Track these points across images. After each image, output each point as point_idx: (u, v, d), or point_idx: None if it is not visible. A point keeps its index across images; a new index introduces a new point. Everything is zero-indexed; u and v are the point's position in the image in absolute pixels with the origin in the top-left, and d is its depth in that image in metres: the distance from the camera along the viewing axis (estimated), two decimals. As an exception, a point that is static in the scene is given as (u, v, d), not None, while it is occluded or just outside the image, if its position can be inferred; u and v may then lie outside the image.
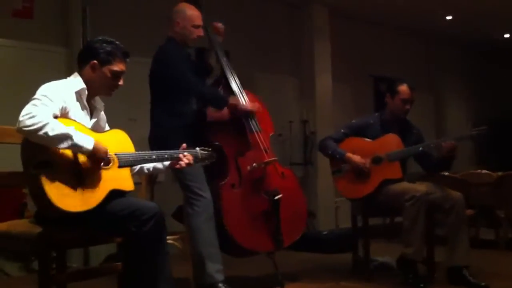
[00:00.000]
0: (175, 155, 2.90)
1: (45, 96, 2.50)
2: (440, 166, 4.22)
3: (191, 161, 2.91)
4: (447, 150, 3.96)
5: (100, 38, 2.82)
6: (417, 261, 3.94)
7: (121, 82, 2.81)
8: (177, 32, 3.77)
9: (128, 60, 2.82)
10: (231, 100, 3.80)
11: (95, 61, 2.73)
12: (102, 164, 2.57)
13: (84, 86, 2.72)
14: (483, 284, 3.79)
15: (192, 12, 3.79)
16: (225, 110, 3.83)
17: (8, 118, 2.77)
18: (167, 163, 2.94)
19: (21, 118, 2.37)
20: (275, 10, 7.47)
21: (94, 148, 2.50)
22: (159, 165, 2.95)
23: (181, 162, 2.88)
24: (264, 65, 7.21)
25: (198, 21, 3.80)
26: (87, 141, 2.49)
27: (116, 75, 2.77)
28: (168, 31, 3.82)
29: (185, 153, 2.90)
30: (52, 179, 2.40)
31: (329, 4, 7.57)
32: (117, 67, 2.76)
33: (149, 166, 2.96)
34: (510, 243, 5.60)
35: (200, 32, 3.82)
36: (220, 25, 4.06)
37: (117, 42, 2.80)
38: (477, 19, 8.57)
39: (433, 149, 4.11)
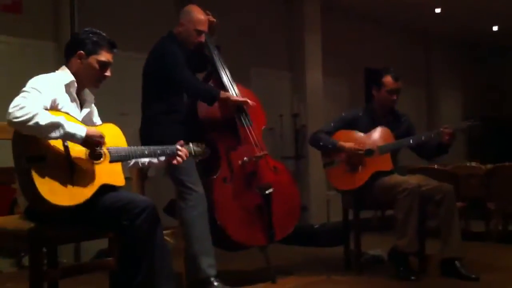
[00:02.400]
0: (167, 151, 2.90)
1: (34, 88, 2.49)
2: (438, 152, 4.22)
3: (187, 156, 2.93)
4: (447, 135, 3.99)
5: (86, 29, 2.81)
6: (411, 253, 3.96)
7: (108, 73, 2.79)
8: (179, 32, 3.76)
9: (115, 50, 2.82)
10: (222, 94, 3.79)
11: (82, 52, 2.73)
12: (98, 148, 2.56)
13: (73, 78, 2.72)
14: (473, 276, 3.82)
15: (198, 16, 3.78)
16: (216, 106, 3.82)
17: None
18: (162, 159, 2.95)
19: (10, 110, 2.36)
20: (267, 4, 7.46)
21: (87, 134, 2.49)
22: (154, 159, 2.96)
23: (178, 158, 2.89)
24: (255, 59, 7.20)
25: (202, 26, 3.78)
26: (79, 128, 2.48)
27: (103, 65, 2.76)
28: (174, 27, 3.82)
29: (181, 148, 2.91)
30: (43, 173, 2.39)
31: (320, -2, 7.59)
32: (104, 57, 2.76)
33: (145, 160, 2.95)
34: (500, 235, 5.64)
35: (202, 38, 3.80)
36: (212, 19, 4.02)
37: (103, 33, 2.80)
38: (466, 11, 8.60)
39: (431, 139, 4.12)
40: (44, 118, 2.36)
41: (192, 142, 3.09)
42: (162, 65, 3.62)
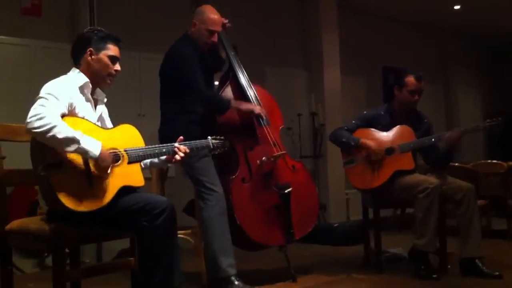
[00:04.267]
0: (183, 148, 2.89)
1: (51, 94, 2.51)
2: (443, 159, 4.19)
3: (187, 153, 2.89)
4: (453, 140, 3.96)
5: (89, 28, 2.86)
6: (430, 252, 3.93)
7: (118, 67, 2.82)
8: (192, 32, 3.78)
9: (120, 45, 2.84)
10: (233, 104, 3.79)
11: (91, 48, 2.75)
12: (108, 171, 2.57)
13: (87, 80, 2.74)
14: (496, 273, 3.79)
15: (212, 17, 3.77)
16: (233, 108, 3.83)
17: (17, 116, 2.78)
18: (163, 157, 2.92)
19: (29, 120, 2.39)
20: (284, 4, 7.46)
21: (100, 155, 2.50)
22: (155, 160, 2.94)
23: (177, 156, 2.86)
24: (273, 59, 7.21)
25: (215, 27, 3.77)
26: (94, 146, 2.49)
27: (114, 59, 2.79)
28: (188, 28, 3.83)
29: (180, 146, 2.86)
30: (62, 180, 2.42)
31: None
32: (113, 51, 2.79)
33: (146, 160, 2.92)
34: (522, 233, 5.57)
35: (214, 38, 3.80)
36: (226, 21, 4.03)
37: (106, 30, 2.83)
38: (486, 9, 8.51)
39: (442, 141, 4.09)
40: (61, 132, 2.39)
41: (210, 136, 3.09)
42: (178, 71, 3.64)
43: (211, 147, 3.06)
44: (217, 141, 3.09)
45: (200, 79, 3.67)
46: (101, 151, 2.51)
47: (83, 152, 2.47)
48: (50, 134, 2.37)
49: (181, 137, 2.92)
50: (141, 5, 5.84)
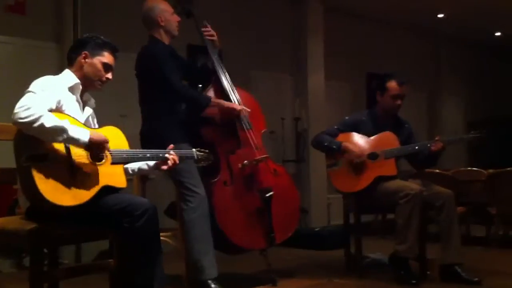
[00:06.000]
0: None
1: (40, 89, 2.51)
2: (428, 162, 4.23)
3: (177, 162, 2.91)
4: (438, 148, 3.99)
5: (89, 34, 2.91)
6: (410, 258, 3.95)
7: (110, 76, 2.84)
8: (162, 27, 3.76)
9: (116, 55, 2.87)
10: (213, 101, 3.78)
11: (86, 52, 2.78)
12: (105, 152, 2.58)
13: (77, 81, 2.76)
14: (475, 279, 3.81)
15: (163, 3, 3.81)
16: (215, 110, 3.82)
17: (1, 114, 2.75)
18: (152, 164, 2.94)
19: (16, 110, 2.37)
20: (270, 7, 7.46)
21: (90, 139, 2.50)
22: (144, 166, 2.95)
23: (169, 162, 2.87)
24: (257, 62, 7.21)
25: (171, 8, 3.82)
26: (82, 133, 2.49)
27: (107, 67, 2.81)
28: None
29: (172, 153, 2.88)
30: (44, 173, 2.40)
31: (324, 1, 7.58)
32: (107, 59, 2.82)
33: (134, 167, 2.94)
34: (501, 240, 5.63)
35: (178, 17, 3.84)
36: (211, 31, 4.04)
37: (105, 38, 2.87)
38: (471, 18, 8.60)
39: (426, 149, 4.12)
40: (49, 121, 2.37)
41: (195, 148, 3.11)
42: (154, 71, 3.62)
43: (195, 158, 3.09)
44: (202, 153, 3.12)
45: (176, 76, 3.66)
46: (90, 136, 2.50)
47: (72, 140, 2.45)
48: (38, 123, 2.35)
49: (172, 145, 2.94)
50: (124, 4, 5.81)
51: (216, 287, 3.51)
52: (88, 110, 2.85)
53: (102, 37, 2.86)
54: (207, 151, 3.16)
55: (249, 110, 3.95)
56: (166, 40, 3.78)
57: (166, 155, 2.87)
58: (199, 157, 3.10)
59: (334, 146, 4.15)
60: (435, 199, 3.97)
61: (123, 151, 2.74)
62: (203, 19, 4.04)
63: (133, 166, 2.94)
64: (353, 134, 4.22)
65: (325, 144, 4.20)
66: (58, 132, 2.40)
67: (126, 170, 2.87)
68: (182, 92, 3.70)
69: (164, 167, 2.89)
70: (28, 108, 2.36)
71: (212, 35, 4.02)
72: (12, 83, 4.83)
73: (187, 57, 4.35)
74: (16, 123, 2.38)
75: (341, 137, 4.22)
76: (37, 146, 2.42)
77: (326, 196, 7.35)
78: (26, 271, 2.63)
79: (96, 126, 2.91)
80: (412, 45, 9.43)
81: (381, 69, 8.00)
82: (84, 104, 2.83)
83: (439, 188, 4.07)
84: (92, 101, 2.91)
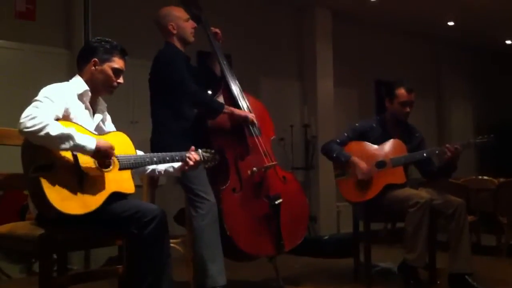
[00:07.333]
0: (176, 157, 2.91)
1: (46, 97, 2.51)
2: (440, 173, 4.20)
3: (198, 161, 2.96)
4: (450, 154, 3.95)
5: (97, 38, 2.86)
6: (419, 267, 3.92)
7: (121, 80, 2.83)
8: (175, 34, 3.77)
9: (126, 57, 2.86)
10: (226, 109, 3.79)
11: (96, 59, 2.76)
12: (111, 158, 2.58)
13: (87, 88, 2.74)
14: (484, 289, 3.79)
15: (177, 10, 3.81)
16: (225, 116, 3.82)
17: (10, 120, 2.77)
18: (177, 166, 2.97)
19: (22, 120, 2.37)
20: (278, 13, 7.48)
21: (97, 146, 2.50)
22: (170, 169, 2.99)
23: (189, 162, 2.91)
24: (266, 69, 7.22)
25: (185, 15, 3.82)
26: (89, 141, 2.49)
27: (117, 72, 2.80)
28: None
29: (191, 155, 2.93)
30: (52, 182, 2.40)
31: (332, 7, 7.59)
32: (117, 64, 2.80)
33: (161, 168, 2.98)
34: (511, 249, 5.58)
35: (193, 23, 3.83)
36: (217, 30, 4.05)
37: (114, 42, 2.84)
38: (479, 25, 8.59)
39: (435, 156, 4.10)
40: (55, 129, 2.38)
41: (201, 149, 3.10)
42: (168, 74, 3.63)
43: (203, 160, 3.06)
44: (208, 154, 3.10)
45: (190, 79, 3.67)
46: (96, 143, 2.50)
47: (79, 148, 2.45)
48: (44, 132, 2.35)
49: (193, 147, 3.00)
50: (135, 11, 5.83)
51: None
52: (99, 116, 2.84)
53: (111, 40, 2.83)
54: (212, 151, 3.14)
55: (257, 121, 3.95)
56: (180, 46, 3.78)
57: (187, 154, 2.92)
58: (206, 158, 3.07)
59: (343, 159, 4.12)
60: (446, 207, 3.94)
61: (131, 156, 2.74)
62: (211, 25, 4.05)
63: (160, 168, 2.98)
64: (363, 142, 4.20)
65: (334, 155, 4.18)
66: (64, 140, 2.41)
67: (152, 171, 2.95)
68: (197, 95, 3.69)
69: (187, 166, 2.93)
70: (34, 117, 2.36)
71: (220, 38, 4.02)
72: (23, 89, 4.85)
73: (197, 63, 4.36)
74: (21, 132, 2.38)
75: (350, 146, 4.20)
76: (44, 154, 2.43)
77: (335, 203, 7.33)
78: (35, 276, 2.63)
79: (112, 128, 2.93)
80: (420, 53, 9.41)
81: (389, 76, 7.99)
82: (94, 110, 2.82)
83: (451, 196, 4.04)
84: (104, 105, 2.90)
